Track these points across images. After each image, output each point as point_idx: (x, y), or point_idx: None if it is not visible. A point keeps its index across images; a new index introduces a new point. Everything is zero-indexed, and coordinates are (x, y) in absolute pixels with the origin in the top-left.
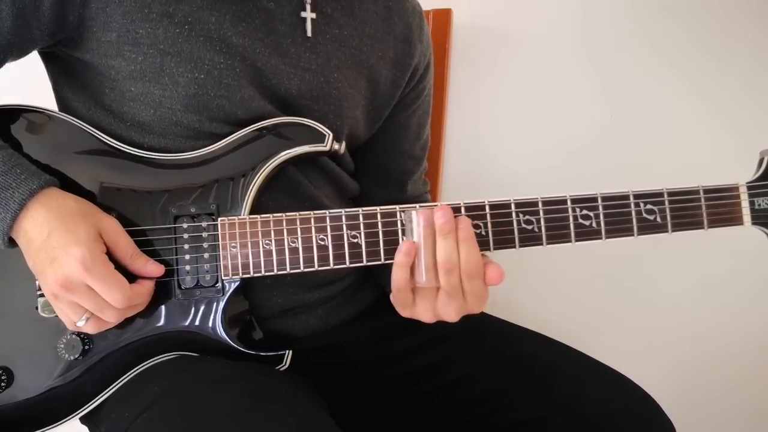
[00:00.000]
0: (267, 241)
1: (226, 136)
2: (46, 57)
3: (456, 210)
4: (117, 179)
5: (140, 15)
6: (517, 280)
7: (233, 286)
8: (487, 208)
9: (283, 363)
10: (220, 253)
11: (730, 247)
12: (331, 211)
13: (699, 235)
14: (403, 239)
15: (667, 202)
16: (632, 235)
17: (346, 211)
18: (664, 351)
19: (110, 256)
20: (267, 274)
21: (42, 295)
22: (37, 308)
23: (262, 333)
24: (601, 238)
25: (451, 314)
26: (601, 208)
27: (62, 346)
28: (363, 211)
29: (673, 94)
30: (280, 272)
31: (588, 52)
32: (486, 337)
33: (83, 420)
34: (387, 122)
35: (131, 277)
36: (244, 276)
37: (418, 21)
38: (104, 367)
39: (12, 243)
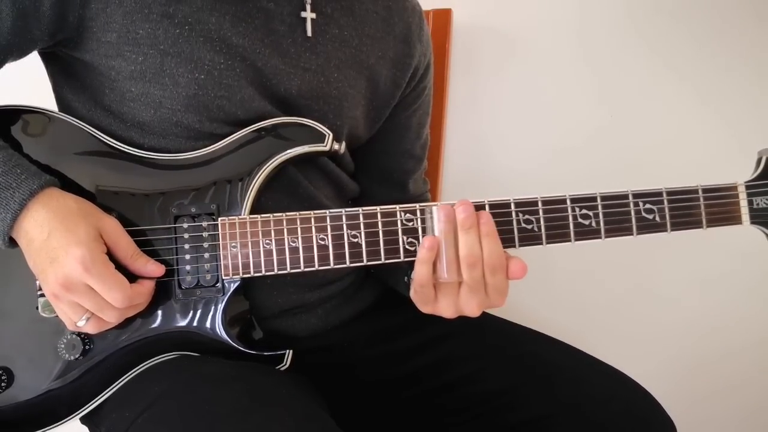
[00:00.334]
0: (267, 241)
1: (226, 137)
2: (46, 57)
3: (478, 207)
4: (117, 179)
5: (140, 15)
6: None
7: (233, 285)
8: (486, 207)
9: (284, 363)
10: (221, 252)
11: (730, 247)
12: (331, 210)
13: (698, 234)
14: (422, 237)
15: (666, 202)
16: (631, 234)
17: (346, 211)
18: (665, 348)
19: (111, 256)
20: (267, 273)
21: (42, 295)
22: (37, 308)
23: (262, 333)
24: (600, 238)
25: (473, 309)
26: (600, 207)
27: (62, 346)
28: (363, 210)
29: (672, 94)
30: (280, 272)
31: (587, 52)
32: (486, 336)
33: (83, 420)
34: (388, 122)
35: (132, 277)
36: (245, 276)
37: (418, 21)
38: (104, 367)
39: (12, 243)
